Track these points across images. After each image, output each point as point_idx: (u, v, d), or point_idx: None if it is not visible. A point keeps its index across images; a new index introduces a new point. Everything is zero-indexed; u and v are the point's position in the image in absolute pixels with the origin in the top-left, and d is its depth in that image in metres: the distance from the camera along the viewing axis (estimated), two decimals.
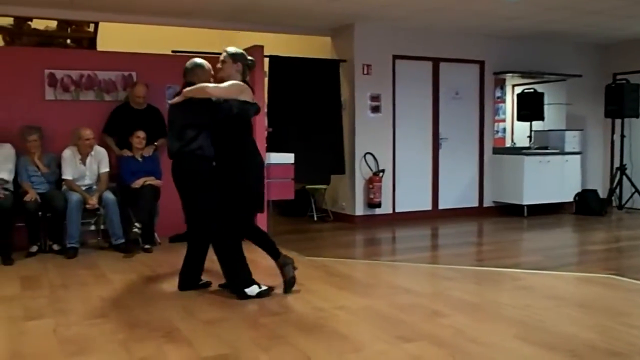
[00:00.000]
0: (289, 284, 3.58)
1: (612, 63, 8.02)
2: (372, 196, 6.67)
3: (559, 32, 7.12)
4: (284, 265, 3.60)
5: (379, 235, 6.19)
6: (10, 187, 4.80)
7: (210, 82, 3.51)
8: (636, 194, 7.32)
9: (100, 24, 6.34)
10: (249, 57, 3.58)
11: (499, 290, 3.88)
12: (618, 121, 7.65)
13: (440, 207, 7.24)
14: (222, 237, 3.46)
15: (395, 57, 6.85)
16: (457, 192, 7.34)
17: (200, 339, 2.84)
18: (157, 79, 5.57)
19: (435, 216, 7.10)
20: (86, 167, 5.02)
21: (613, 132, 7.88)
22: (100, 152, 5.10)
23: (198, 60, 3.67)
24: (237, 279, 3.47)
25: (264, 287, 3.51)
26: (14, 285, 3.91)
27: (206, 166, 3.48)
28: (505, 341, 2.80)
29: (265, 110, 5.44)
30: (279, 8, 5.75)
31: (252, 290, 3.44)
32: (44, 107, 5.23)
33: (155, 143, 5.38)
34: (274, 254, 3.58)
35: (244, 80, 3.50)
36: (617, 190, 7.51)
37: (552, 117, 7.86)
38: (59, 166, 5.01)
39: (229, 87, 3.39)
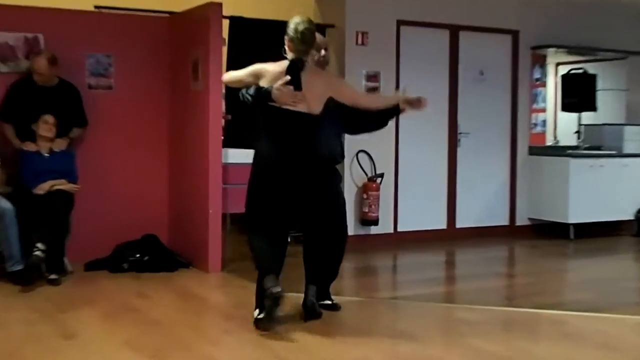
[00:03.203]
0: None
1: None
2: (366, 210, 6.66)
3: None
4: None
5: (375, 263, 6.17)
6: None
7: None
8: None
9: None
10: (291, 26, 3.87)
11: (535, 338, 3.88)
12: None
13: (459, 225, 7.25)
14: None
15: (400, 22, 6.86)
16: (481, 205, 7.37)
17: None
18: (74, 44, 5.50)
19: (451, 237, 7.11)
20: None
21: None
22: None
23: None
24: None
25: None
26: None
27: None
28: None
29: (223, 90, 5.39)
30: None
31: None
32: None
33: (70, 135, 5.31)
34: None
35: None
36: None
37: (608, 107, 7.93)
38: None
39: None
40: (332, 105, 3.84)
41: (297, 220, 4.01)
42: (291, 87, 3.67)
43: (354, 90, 4.18)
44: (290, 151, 3.75)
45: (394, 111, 4.16)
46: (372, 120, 4.19)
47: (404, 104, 4.06)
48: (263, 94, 3.73)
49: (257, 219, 3.85)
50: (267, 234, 3.83)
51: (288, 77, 3.67)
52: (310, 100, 3.72)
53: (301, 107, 3.72)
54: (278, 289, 3.60)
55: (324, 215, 3.96)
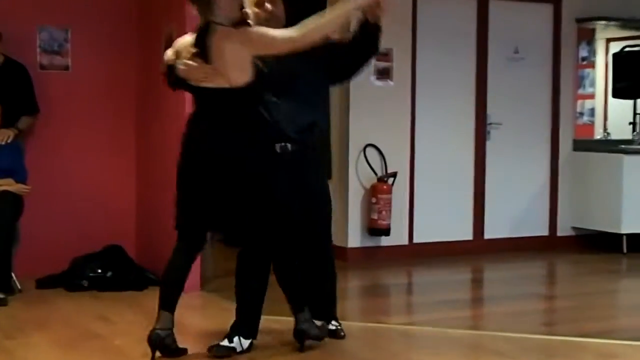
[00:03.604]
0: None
1: None
2: (375, 217, 6.68)
3: None
4: None
5: (386, 281, 6.18)
6: None
7: None
8: None
9: None
10: None
11: None
12: None
13: (487, 235, 7.28)
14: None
15: None
16: (515, 212, 7.39)
17: None
18: (22, 15, 5.53)
19: (478, 250, 7.13)
20: None
21: None
22: None
23: None
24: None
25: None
26: None
27: None
28: None
29: None
30: None
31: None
32: None
33: (18, 126, 5.34)
34: None
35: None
36: None
37: None
38: None
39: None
40: (275, 66, 3.66)
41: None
42: (200, 60, 3.56)
43: (273, 34, 3.59)
44: (212, 142, 3.65)
45: (367, 27, 3.88)
46: (351, 54, 4.00)
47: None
48: (170, 74, 3.72)
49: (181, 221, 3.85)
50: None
51: (192, 49, 3.59)
52: (228, 70, 3.54)
53: (219, 82, 3.58)
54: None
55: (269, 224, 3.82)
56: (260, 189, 3.69)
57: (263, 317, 4.00)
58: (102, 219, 5.72)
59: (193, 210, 3.75)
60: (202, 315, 4.99)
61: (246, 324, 3.91)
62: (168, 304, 3.76)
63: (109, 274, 5.36)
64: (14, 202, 5.06)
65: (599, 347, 4.25)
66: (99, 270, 5.37)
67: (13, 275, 5.15)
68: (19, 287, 5.22)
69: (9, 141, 5.23)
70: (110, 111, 5.83)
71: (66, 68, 5.75)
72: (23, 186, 5.15)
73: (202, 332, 4.41)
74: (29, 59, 5.48)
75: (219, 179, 3.64)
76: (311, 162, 4.00)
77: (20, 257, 5.19)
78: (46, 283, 5.39)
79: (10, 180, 5.09)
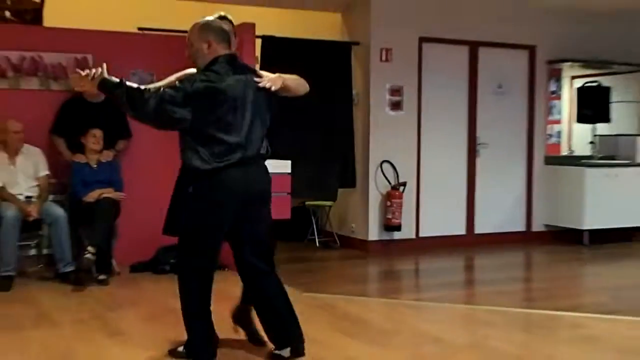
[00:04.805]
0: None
1: None
2: (390, 216, 6.65)
3: (633, 9, 7.10)
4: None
5: (398, 267, 6.15)
6: None
7: None
8: None
9: None
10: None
11: (554, 341, 3.84)
12: None
13: (478, 231, 7.21)
14: None
15: (422, 39, 6.85)
16: (499, 212, 7.31)
17: None
18: (119, 63, 5.52)
19: (471, 243, 7.07)
20: (17, 169, 5.05)
21: None
22: (33, 151, 5.14)
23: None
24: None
25: None
26: None
27: None
28: None
29: None
30: None
31: None
32: None
33: (116, 147, 5.40)
34: None
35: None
36: None
37: (622, 118, 7.83)
38: None
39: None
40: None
41: None
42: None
43: None
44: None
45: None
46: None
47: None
48: None
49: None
50: None
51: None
52: None
53: None
54: None
55: None
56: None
57: None
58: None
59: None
60: None
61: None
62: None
63: None
64: (114, 206, 5.11)
65: (568, 319, 4.22)
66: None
67: (113, 261, 5.21)
68: (118, 270, 5.28)
69: (109, 159, 5.30)
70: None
71: None
72: (120, 194, 5.21)
73: None
74: None
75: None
76: None
77: (118, 248, 5.25)
78: (137, 268, 5.44)
79: (110, 190, 5.16)
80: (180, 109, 2.95)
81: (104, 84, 3.04)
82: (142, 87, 3.07)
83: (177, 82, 3.07)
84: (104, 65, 3.10)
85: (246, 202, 3.12)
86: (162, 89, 3.01)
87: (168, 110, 2.94)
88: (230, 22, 3.30)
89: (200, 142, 3.02)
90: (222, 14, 3.35)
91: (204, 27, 3.16)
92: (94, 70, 3.06)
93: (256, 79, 3.13)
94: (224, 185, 3.04)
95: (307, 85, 3.37)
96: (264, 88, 3.11)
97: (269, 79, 3.14)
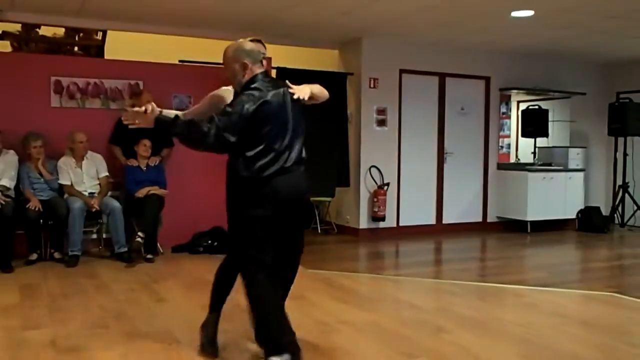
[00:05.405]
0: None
1: (615, 82, 8.01)
2: (376, 209, 6.63)
3: (565, 50, 7.11)
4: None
5: (382, 249, 6.14)
6: (12, 194, 4.78)
7: None
8: (638, 212, 7.28)
9: (109, 33, 6.35)
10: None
11: (502, 306, 3.84)
12: (621, 139, 7.62)
13: (445, 221, 7.19)
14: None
15: (402, 71, 6.84)
16: (461, 206, 7.30)
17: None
18: (164, 88, 5.59)
19: (439, 231, 7.05)
20: (83, 171, 5.04)
21: (616, 150, 7.84)
22: (96, 156, 5.14)
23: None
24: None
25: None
26: (12, 294, 3.86)
27: None
28: (508, 359, 2.74)
29: None
30: (288, 21, 5.75)
31: None
32: (50, 114, 5.23)
33: (161, 154, 5.39)
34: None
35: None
36: (620, 208, 7.47)
37: (557, 134, 7.83)
38: None
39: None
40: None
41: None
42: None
43: None
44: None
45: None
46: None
47: None
48: None
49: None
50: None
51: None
52: None
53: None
54: None
55: None
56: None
57: None
58: (210, 210, 5.67)
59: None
60: None
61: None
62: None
63: (215, 243, 5.37)
64: (159, 201, 5.11)
65: (515, 290, 4.20)
66: (209, 241, 5.39)
67: (158, 244, 5.21)
68: (161, 251, 5.27)
69: (156, 164, 5.30)
70: None
71: None
72: (164, 191, 5.20)
73: None
74: None
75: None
76: None
77: (162, 234, 5.24)
78: (177, 249, 5.42)
79: (156, 187, 5.14)
80: (236, 135, 2.52)
81: (160, 122, 2.65)
82: (189, 117, 2.67)
83: (227, 108, 2.56)
84: (153, 103, 2.68)
85: (292, 205, 2.77)
86: (215, 118, 2.52)
87: (225, 137, 2.50)
88: (262, 44, 2.81)
89: (249, 152, 2.58)
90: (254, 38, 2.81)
91: (239, 50, 2.67)
92: (143, 108, 2.67)
93: (290, 91, 2.71)
94: (274, 192, 2.62)
95: (327, 92, 2.95)
96: (297, 99, 2.72)
97: (300, 90, 2.74)
